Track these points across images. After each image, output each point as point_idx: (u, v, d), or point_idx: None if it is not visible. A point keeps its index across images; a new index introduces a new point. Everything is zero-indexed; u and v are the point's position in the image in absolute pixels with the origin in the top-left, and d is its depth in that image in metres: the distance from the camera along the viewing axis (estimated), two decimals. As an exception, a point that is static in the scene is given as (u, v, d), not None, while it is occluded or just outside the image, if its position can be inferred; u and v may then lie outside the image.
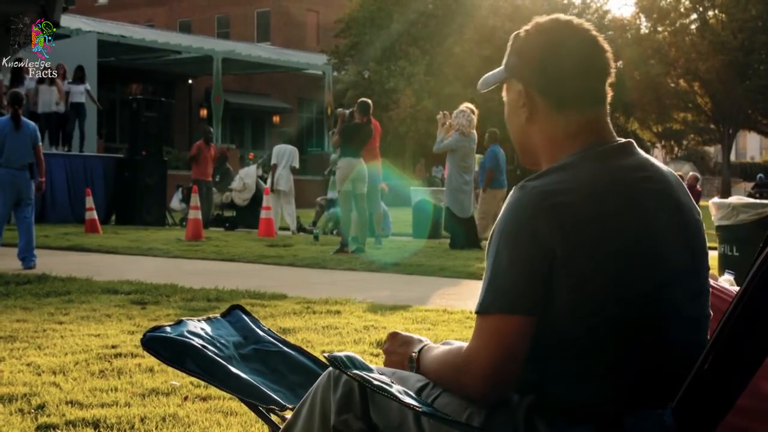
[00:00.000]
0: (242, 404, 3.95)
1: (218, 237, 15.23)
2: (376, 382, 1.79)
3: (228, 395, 4.14)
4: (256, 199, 18.05)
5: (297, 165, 17.26)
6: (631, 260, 1.78)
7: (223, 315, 2.55)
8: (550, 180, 1.82)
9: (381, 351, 5.27)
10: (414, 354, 2.02)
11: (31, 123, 10.46)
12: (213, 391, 4.22)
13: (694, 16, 47.04)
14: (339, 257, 11.32)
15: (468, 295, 8.29)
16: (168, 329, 2.29)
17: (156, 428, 3.67)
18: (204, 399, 4.11)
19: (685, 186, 1.97)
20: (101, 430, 3.64)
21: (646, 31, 47.38)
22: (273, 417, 2.32)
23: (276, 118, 42.13)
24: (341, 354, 1.86)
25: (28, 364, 4.77)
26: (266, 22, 50.52)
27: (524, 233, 1.77)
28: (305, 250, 12.46)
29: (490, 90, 2.16)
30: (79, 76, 19.84)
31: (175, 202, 20.04)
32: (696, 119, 49.11)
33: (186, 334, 2.28)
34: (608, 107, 1.95)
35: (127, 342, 5.42)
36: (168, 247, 12.86)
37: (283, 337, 2.77)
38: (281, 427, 2.23)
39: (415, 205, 16.12)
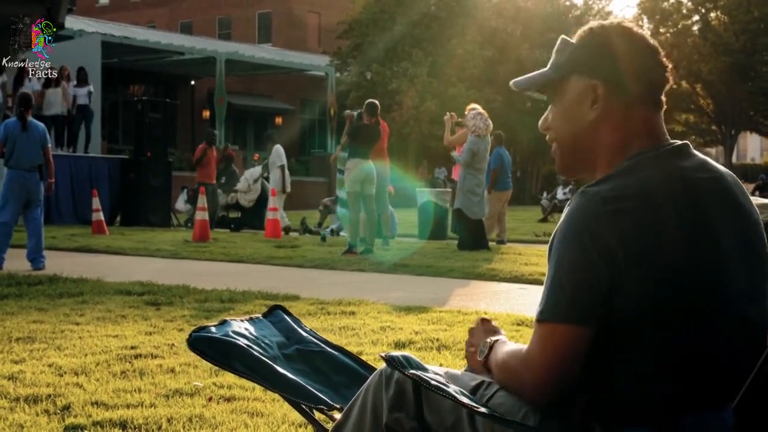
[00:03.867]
0: (268, 405, 3.98)
1: (225, 238, 15.23)
2: (433, 382, 1.79)
3: (252, 396, 4.16)
4: (261, 200, 18.07)
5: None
6: (691, 264, 1.77)
7: (265, 315, 2.55)
8: (612, 185, 1.80)
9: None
10: (490, 340, 2.03)
11: (40, 124, 10.46)
12: (237, 391, 4.23)
13: (697, 17, 47.08)
14: (348, 258, 11.31)
15: (479, 296, 8.30)
16: (213, 329, 2.28)
17: (183, 429, 3.67)
18: (228, 400, 4.11)
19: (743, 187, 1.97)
20: (129, 430, 3.64)
21: (649, 33, 47.36)
22: (318, 416, 2.31)
23: (279, 120, 42.15)
24: (398, 354, 1.86)
25: (50, 365, 4.77)
26: (268, 23, 50.57)
27: (586, 240, 1.75)
28: (313, 251, 12.46)
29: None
30: (83, 78, 19.85)
31: (180, 204, 20.03)
32: (698, 121, 49.16)
33: (231, 334, 2.28)
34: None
35: (145, 343, 5.42)
36: (176, 248, 12.86)
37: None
38: (327, 427, 2.23)
39: (421, 207, 16.11)
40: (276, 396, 4.11)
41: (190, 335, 2.25)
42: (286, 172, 17.33)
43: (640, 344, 1.77)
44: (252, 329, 2.38)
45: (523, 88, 2.06)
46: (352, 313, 6.77)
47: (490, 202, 14.27)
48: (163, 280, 8.51)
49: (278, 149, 17.33)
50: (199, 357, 2.29)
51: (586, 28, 1.98)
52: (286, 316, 2.54)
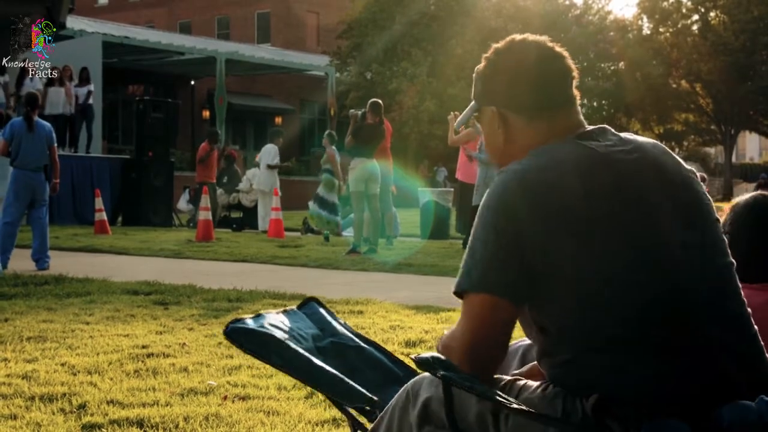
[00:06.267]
0: (283, 404, 3.99)
1: (228, 238, 15.23)
2: (466, 383, 1.80)
3: (266, 395, 4.18)
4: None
5: (271, 162, 17.29)
6: (623, 234, 1.81)
7: (299, 307, 2.58)
8: (531, 162, 1.88)
9: (410, 351, 5.29)
10: None
11: (47, 124, 10.45)
12: (251, 390, 4.25)
13: (696, 17, 47.05)
14: (352, 258, 11.33)
15: (485, 295, 8.31)
16: (249, 321, 2.31)
17: (200, 427, 3.69)
18: (243, 398, 4.13)
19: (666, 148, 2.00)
20: (146, 429, 3.66)
21: (648, 32, 47.36)
22: (351, 411, 2.33)
23: (278, 120, 42.11)
24: (428, 355, 1.86)
25: (63, 364, 4.79)
26: (266, 23, 50.51)
27: (503, 215, 1.82)
28: (317, 251, 12.47)
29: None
30: (84, 78, 19.86)
31: (182, 204, 20.02)
32: (697, 120, 49.16)
33: (267, 326, 2.30)
34: (578, 106, 2.02)
35: (157, 342, 5.44)
36: (179, 248, 12.87)
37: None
38: (359, 420, 2.24)
39: (423, 206, 16.12)
40: (291, 395, 4.14)
41: (227, 326, 2.29)
42: (264, 172, 17.19)
43: (641, 343, 1.79)
44: (287, 321, 2.41)
45: (459, 127, 2.27)
46: (361, 312, 6.78)
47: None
48: (169, 279, 8.53)
49: (264, 149, 17.28)
50: (236, 348, 2.33)
51: (485, 56, 2.12)
52: (320, 309, 2.58)
